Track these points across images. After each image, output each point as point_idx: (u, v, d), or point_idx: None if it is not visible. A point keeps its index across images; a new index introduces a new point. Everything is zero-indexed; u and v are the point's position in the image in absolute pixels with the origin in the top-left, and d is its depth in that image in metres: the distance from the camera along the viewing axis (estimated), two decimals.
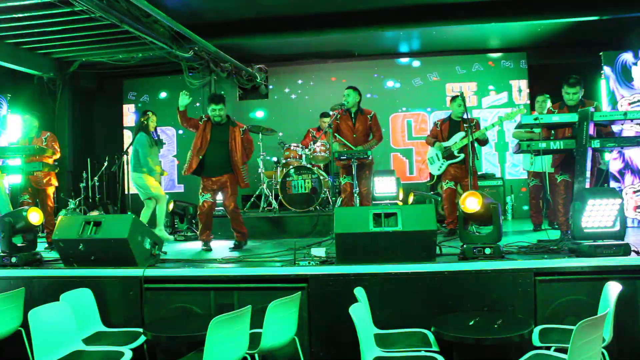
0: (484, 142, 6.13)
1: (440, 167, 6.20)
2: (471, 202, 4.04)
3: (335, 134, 6.28)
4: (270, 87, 10.13)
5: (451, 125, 6.19)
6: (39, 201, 6.23)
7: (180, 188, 10.05)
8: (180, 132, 9.91)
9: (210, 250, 5.63)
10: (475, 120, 6.17)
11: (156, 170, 6.63)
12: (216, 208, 7.52)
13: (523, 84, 9.52)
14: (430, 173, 8.68)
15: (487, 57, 9.63)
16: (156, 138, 6.76)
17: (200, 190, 5.70)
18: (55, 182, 6.36)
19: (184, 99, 5.59)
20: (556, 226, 6.13)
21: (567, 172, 5.07)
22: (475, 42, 9.21)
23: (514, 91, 9.54)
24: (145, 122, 6.60)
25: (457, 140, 6.06)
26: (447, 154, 6.11)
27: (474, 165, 5.91)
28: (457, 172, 6.08)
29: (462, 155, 6.03)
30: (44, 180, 6.16)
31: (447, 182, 6.15)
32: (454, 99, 6.24)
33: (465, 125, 5.96)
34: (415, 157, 9.75)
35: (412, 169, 9.70)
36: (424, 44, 9.41)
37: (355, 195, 6.00)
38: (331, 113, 8.15)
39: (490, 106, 9.54)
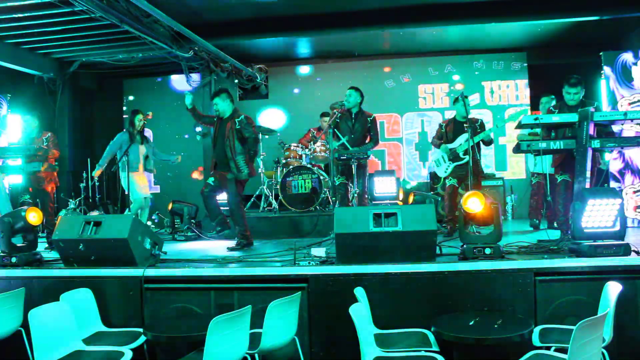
0: (488, 142, 6.12)
1: (447, 169, 6.21)
2: (474, 203, 4.03)
3: (336, 130, 6.31)
4: (270, 87, 10.14)
5: (456, 127, 6.18)
6: (40, 201, 6.24)
7: (156, 189, 10.08)
8: (193, 133, 9.90)
9: (217, 232, 5.80)
10: (480, 121, 6.15)
11: (139, 168, 6.59)
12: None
13: (495, 85, 9.57)
14: (430, 174, 8.76)
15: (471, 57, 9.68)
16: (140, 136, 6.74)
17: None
18: (56, 182, 6.36)
19: (188, 97, 5.72)
20: (555, 226, 6.13)
21: (567, 172, 5.07)
22: (475, 42, 9.22)
23: (485, 92, 9.58)
24: (133, 121, 6.63)
25: (462, 141, 6.06)
26: (453, 156, 6.12)
27: (478, 166, 5.93)
28: (462, 173, 6.08)
29: (467, 157, 6.04)
30: (45, 181, 6.17)
31: (450, 180, 6.18)
32: (456, 100, 6.23)
33: (465, 125, 5.96)
34: (388, 159, 9.83)
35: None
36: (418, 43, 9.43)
37: (353, 195, 6.01)
38: (331, 112, 8.14)
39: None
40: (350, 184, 6.34)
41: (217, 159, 5.73)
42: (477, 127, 5.98)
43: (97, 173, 6.58)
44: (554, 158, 5.26)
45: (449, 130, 6.21)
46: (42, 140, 6.29)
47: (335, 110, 6.52)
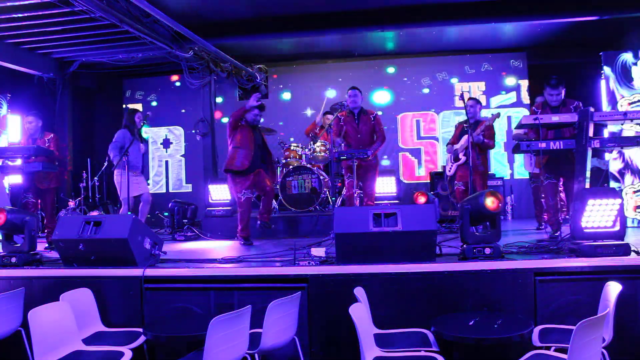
0: (484, 145, 6.05)
1: (451, 168, 6.35)
2: (493, 202, 3.95)
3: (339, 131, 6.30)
4: (270, 87, 10.15)
5: (463, 127, 6.22)
6: (42, 201, 6.25)
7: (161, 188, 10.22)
8: (193, 132, 9.88)
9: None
10: (483, 122, 6.16)
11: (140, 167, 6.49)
12: (217, 208, 7.58)
13: (495, 84, 9.57)
14: (431, 174, 8.78)
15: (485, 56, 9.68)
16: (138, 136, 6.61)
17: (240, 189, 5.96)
18: (58, 183, 6.36)
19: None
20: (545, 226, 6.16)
21: (552, 173, 5.11)
22: (476, 42, 9.22)
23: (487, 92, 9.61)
24: (132, 120, 6.52)
25: (462, 142, 6.12)
26: (455, 156, 6.20)
27: (478, 167, 5.94)
28: (464, 173, 6.10)
29: (464, 158, 6.08)
30: (47, 181, 6.18)
31: (457, 183, 6.26)
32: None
33: (465, 125, 5.98)
34: (425, 157, 9.80)
35: (422, 169, 9.73)
36: (423, 44, 9.43)
37: (356, 195, 6.01)
38: (332, 116, 8.15)
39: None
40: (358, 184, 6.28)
41: (256, 163, 5.95)
42: (481, 129, 6.04)
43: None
44: (537, 159, 5.28)
45: (458, 131, 6.31)
46: (45, 142, 6.29)
47: (337, 113, 6.45)
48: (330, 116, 8.07)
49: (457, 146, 6.23)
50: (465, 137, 6.02)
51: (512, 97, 9.55)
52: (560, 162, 5.06)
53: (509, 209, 8.69)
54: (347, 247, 4.15)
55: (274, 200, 7.69)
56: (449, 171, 6.38)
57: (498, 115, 6.14)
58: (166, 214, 8.10)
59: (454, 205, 7.77)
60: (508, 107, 9.52)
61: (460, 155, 6.10)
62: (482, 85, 9.69)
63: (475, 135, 5.88)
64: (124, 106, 10.43)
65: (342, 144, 6.22)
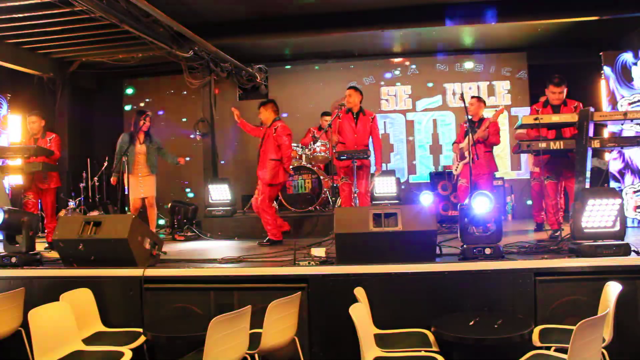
0: (489, 142, 6.10)
1: (457, 167, 6.42)
2: (480, 203, 3.98)
3: (337, 130, 6.32)
4: (270, 87, 10.14)
5: (468, 126, 6.25)
6: (42, 201, 6.25)
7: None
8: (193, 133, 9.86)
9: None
10: (487, 119, 6.19)
11: (133, 169, 6.48)
12: (217, 208, 7.59)
13: (495, 85, 9.63)
14: (431, 174, 8.78)
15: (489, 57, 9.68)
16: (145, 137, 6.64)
17: None
18: (58, 183, 6.36)
19: (234, 114, 6.29)
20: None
21: (553, 173, 5.11)
22: (474, 42, 9.22)
23: (486, 92, 9.63)
24: (134, 122, 6.56)
25: (466, 141, 6.16)
26: (461, 155, 6.24)
27: (482, 165, 5.97)
28: (468, 172, 6.14)
29: (469, 156, 6.12)
30: (47, 181, 6.18)
31: (461, 180, 6.32)
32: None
33: (466, 125, 6.00)
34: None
35: None
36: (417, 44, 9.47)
37: (355, 195, 6.02)
38: (332, 112, 8.15)
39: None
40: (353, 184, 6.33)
41: (259, 163, 6.04)
42: (485, 126, 6.08)
43: (112, 180, 6.64)
44: (536, 158, 5.30)
45: (463, 130, 6.38)
46: (47, 141, 6.30)
47: (336, 111, 6.48)
48: (327, 117, 8.07)
49: (462, 145, 6.25)
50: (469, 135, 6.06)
51: (437, 100, 9.73)
52: (560, 161, 5.07)
53: (509, 208, 8.69)
54: (347, 247, 4.15)
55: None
56: (456, 170, 6.43)
57: (502, 110, 6.17)
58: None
59: (454, 205, 7.80)
60: (434, 110, 9.73)
61: (466, 154, 6.12)
62: (407, 89, 9.81)
63: (480, 132, 5.92)
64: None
65: (337, 143, 6.26)
